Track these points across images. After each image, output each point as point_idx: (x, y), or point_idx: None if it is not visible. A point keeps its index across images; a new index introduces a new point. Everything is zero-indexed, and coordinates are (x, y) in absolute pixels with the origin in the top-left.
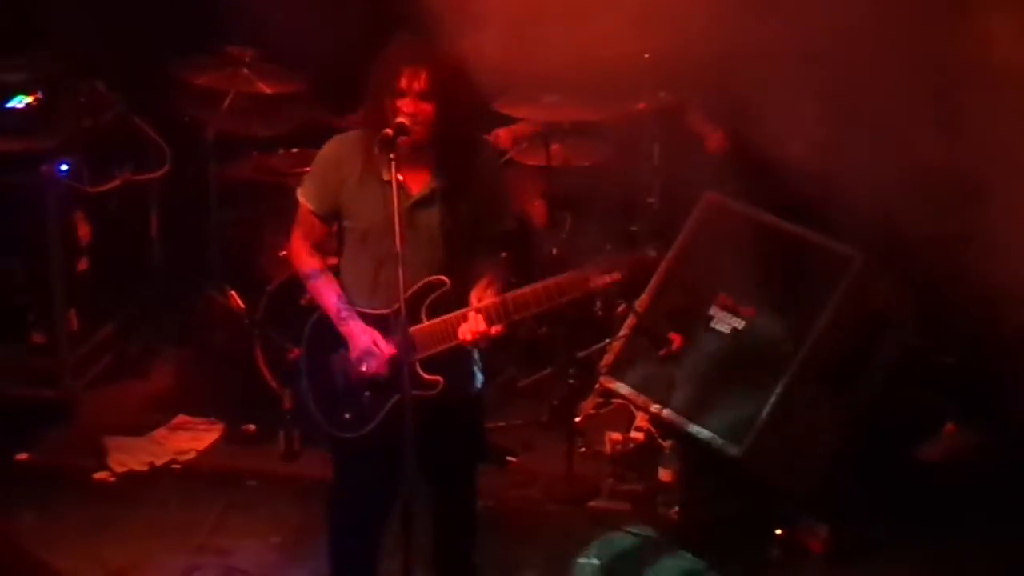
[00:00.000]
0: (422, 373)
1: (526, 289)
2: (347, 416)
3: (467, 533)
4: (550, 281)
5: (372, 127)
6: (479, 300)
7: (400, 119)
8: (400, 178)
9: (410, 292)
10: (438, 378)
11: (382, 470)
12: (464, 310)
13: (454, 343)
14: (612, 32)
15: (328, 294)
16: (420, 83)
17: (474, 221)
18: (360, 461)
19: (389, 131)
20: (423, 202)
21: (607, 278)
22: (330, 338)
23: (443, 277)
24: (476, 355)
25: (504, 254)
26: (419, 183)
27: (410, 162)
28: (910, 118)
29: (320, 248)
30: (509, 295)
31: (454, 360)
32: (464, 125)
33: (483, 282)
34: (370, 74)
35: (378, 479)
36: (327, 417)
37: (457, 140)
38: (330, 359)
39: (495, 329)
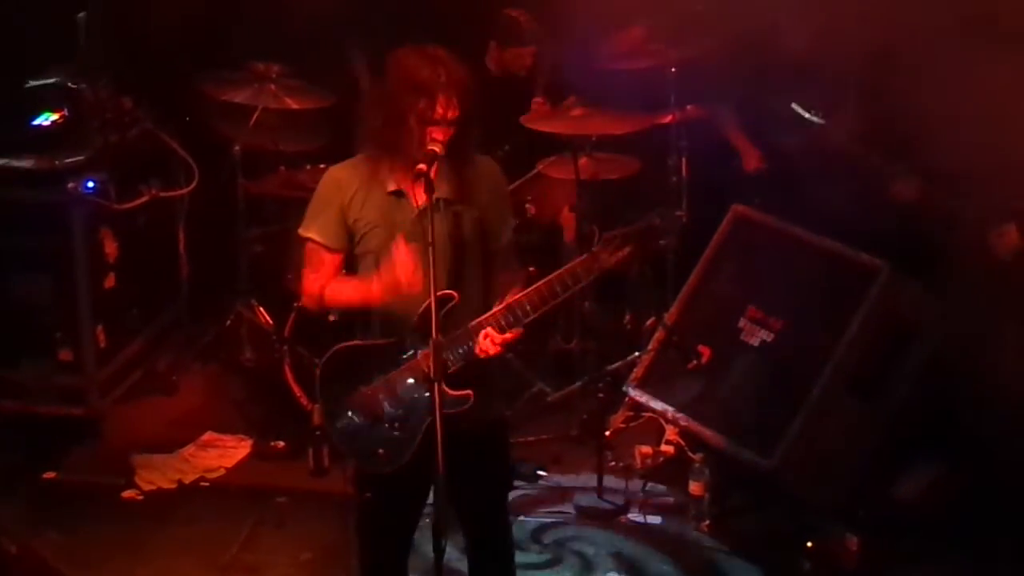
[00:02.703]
0: (448, 390)
1: (538, 284)
2: (381, 452)
3: (503, 565)
4: (562, 271)
5: (389, 146)
6: None
7: (432, 147)
8: (401, 188)
9: (420, 309)
10: (467, 392)
11: (409, 490)
12: (474, 323)
13: (471, 359)
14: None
15: (345, 284)
16: (454, 111)
17: (481, 231)
18: (389, 485)
19: (423, 166)
20: (427, 214)
21: (618, 254)
22: (344, 380)
23: (451, 292)
24: (498, 378)
25: (531, 269)
26: (422, 193)
27: (412, 174)
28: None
29: None
30: (516, 297)
31: (478, 377)
32: (474, 141)
33: (505, 295)
34: (387, 86)
35: (405, 499)
36: (361, 457)
37: (465, 153)
38: (349, 400)
39: (511, 334)
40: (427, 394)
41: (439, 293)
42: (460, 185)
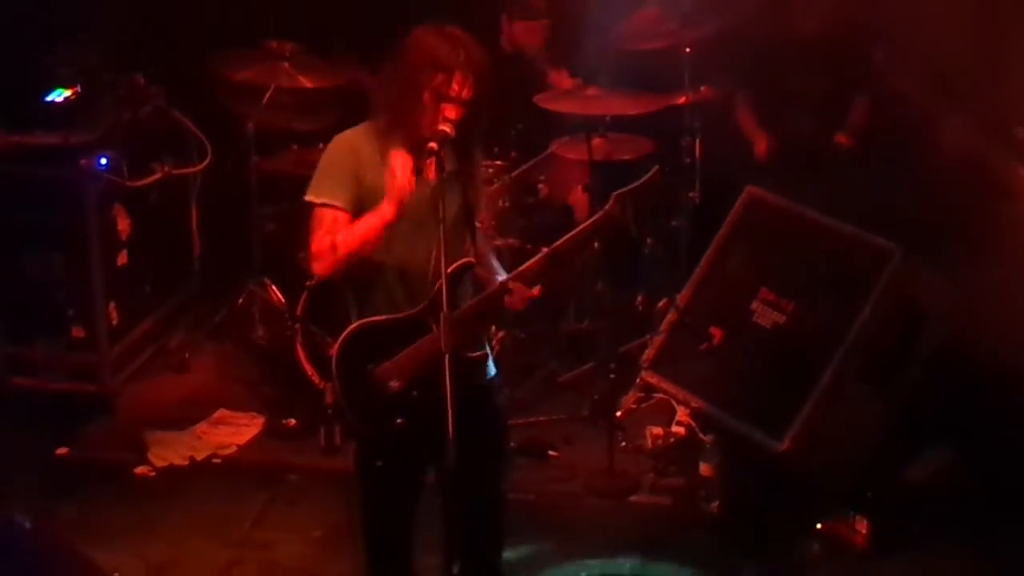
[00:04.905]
0: (469, 355)
1: (555, 244)
2: (399, 422)
3: (493, 532)
4: (574, 231)
5: (402, 119)
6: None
7: (443, 127)
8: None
9: (444, 282)
10: (484, 353)
11: (415, 460)
12: (500, 282)
13: (500, 316)
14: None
15: (354, 225)
16: (469, 90)
17: (473, 203)
18: (398, 455)
19: (434, 144)
20: (439, 188)
21: (625, 209)
22: (365, 356)
23: (471, 259)
24: (487, 346)
25: (544, 249)
26: (432, 169)
27: (425, 150)
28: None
29: None
30: (536, 258)
31: (482, 341)
32: (484, 121)
33: (485, 261)
34: (405, 60)
35: (412, 468)
36: (378, 429)
37: (475, 131)
38: (368, 374)
39: (536, 291)
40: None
41: (462, 260)
42: (467, 161)
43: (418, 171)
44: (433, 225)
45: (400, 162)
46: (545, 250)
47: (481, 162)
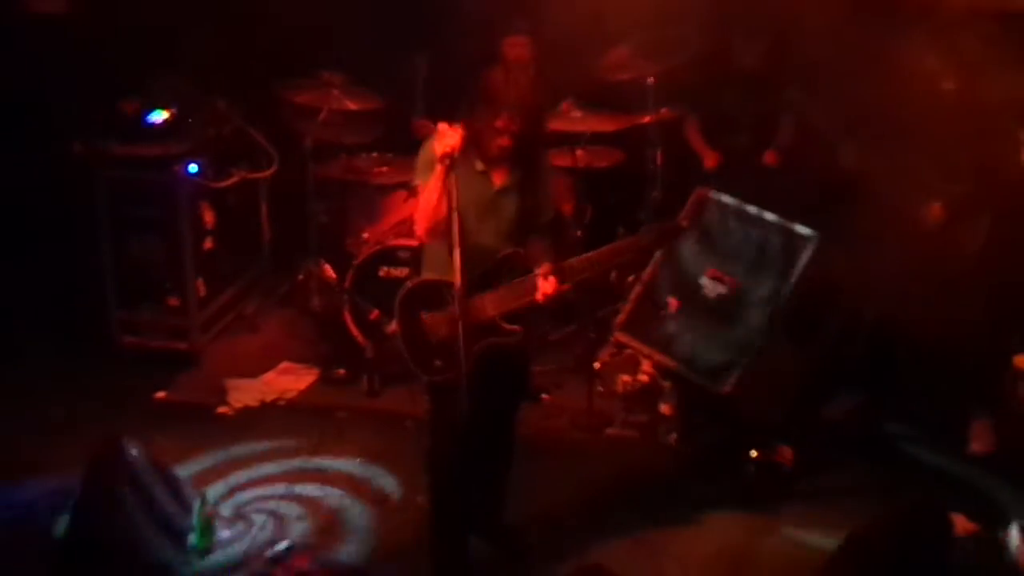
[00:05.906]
0: (504, 325)
1: (589, 254)
2: (438, 363)
3: (505, 469)
4: (611, 246)
5: (469, 135)
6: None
7: (452, 143)
8: (482, 168)
9: (493, 263)
10: (518, 328)
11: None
12: (537, 272)
13: (531, 299)
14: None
15: (427, 190)
16: (515, 126)
17: (536, 211)
18: (452, 400)
19: (447, 160)
20: (503, 192)
21: (656, 241)
22: (419, 305)
23: (520, 251)
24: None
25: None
26: (501, 177)
27: (496, 160)
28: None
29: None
30: (576, 259)
31: (525, 317)
32: (540, 143)
33: (536, 257)
34: (475, 91)
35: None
36: (420, 365)
37: (532, 150)
38: (422, 321)
39: (565, 286)
40: (481, 327)
41: (511, 251)
42: (530, 174)
43: (486, 177)
44: (494, 220)
45: (442, 133)
46: (585, 255)
47: (548, 172)
